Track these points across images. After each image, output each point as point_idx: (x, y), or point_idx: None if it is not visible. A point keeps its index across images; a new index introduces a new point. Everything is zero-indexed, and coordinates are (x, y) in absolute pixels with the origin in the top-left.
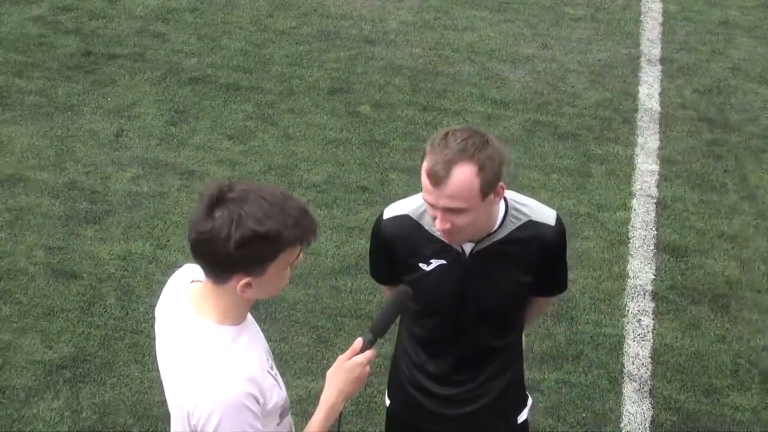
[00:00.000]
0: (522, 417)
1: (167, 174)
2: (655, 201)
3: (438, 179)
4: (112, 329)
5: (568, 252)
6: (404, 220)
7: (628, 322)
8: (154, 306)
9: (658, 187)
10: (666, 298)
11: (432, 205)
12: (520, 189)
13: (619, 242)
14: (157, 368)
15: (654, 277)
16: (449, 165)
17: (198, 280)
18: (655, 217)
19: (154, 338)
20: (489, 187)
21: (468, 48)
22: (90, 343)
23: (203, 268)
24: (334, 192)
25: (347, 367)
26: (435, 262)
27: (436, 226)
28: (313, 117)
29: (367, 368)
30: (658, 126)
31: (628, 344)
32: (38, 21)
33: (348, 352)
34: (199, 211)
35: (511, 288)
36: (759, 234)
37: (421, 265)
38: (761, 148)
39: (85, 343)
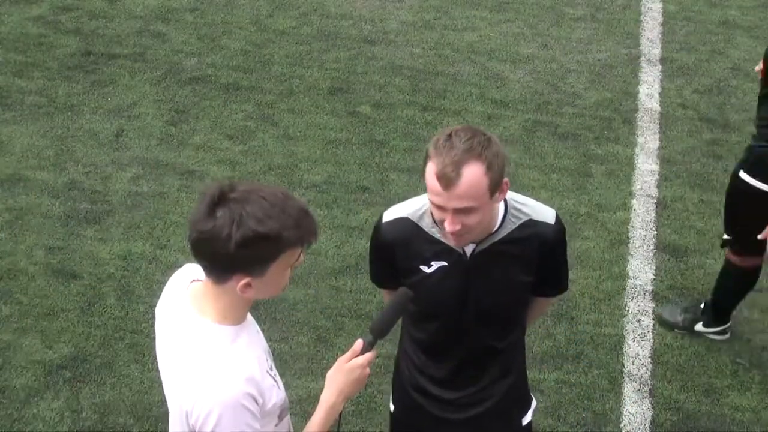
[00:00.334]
0: (526, 419)
1: (167, 174)
2: (655, 201)
3: (449, 181)
4: (112, 329)
5: (568, 252)
6: (404, 222)
7: (628, 322)
8: (154, 306)
9: (658, 187)
10: (666, 298)
11: (441, 208)
12: (520, 189)
13: (619, 242)
14: (157, 368)
15: (654, 277)
16: (458, 165)
17: (198, 280)
18: (655, 217)
19: (154, 338)
20: (496, 185)
21: (468, 48)
22: (90, 343)
23: (204, 267)
24: (334, 192)
25: (347, 369)
26: (436, 264)
27: (445, 228)
28: (313, 117)
29: (367, 370)
30: (658, 126)
31: (628, 344)
32: (38, 21)
33: (348, 354)
34: (200, 210)
35: (512, 288)
36: None
37: (421, 267)
38: None
39: (85, 343)
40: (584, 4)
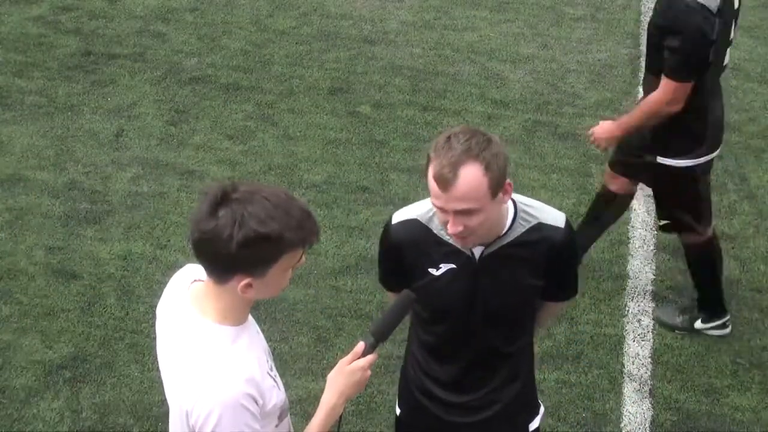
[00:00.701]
0: (534, 425)
1: (167, 174)
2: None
3: (446, 182)
4: (112, 329)
5: None
6: (413, 224)
7: (628, 322)
8: (154, 306)
9: None
10: (666, 298)
11: (442, 210)
12: (520, 189)
13: (619, 242)
14: (157, 368)
15: (654, 277)
16: (455, 167)
17: (200, 280)
18: (655, 217)
19: (154, 338)
20: (497, 186)
21: (468, 48)
22: (90, 343)
23: (205, 267)
24: (334, 192)
25: (348, 371)
26: (444, 267)
27: (448, 231)
28: (313, 117)
29: (368, 372)
30: None
31: (628, 344)
32: (38, 21)
33: (349, 356)
34: (202, 210)
35: (521, 291)
36: (759, 234)
37: (430, 269)
38: (761, 148)
39: (85, 343)
40: (584, 4)
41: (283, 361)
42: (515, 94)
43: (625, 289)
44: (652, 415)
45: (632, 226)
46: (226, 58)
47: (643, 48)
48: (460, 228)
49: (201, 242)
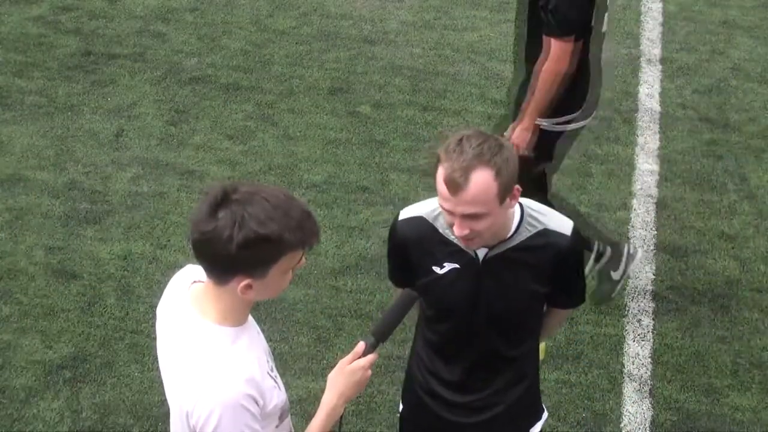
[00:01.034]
0: (535, 429)
1: (167, 174)
2: (655, 201)
3: (456, 186)
4: (112, 329)
5: None
6: (419, 222)
7: (628, 322)
8: (154, 306)
9: (658, 187)
10: (666, 298)
11: (450, 212)
12: None
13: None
14: (157, 368)
15: (654, 277)
16: (467, 171)
17: (200, 281)
18: (655, 217)
19: (154, 338)
20: (506, 191)
21: (468, 48)
22: (90, 343)
23: (205, 268)
24: (334, 192)
25: (349, 371)
26: (448, 266)
27: (454, 233)
28: (313, 117)
29: (369, 372)
30: (658, 126)
31: (628, 344)
32: (38, 21)
33: (350, 356)
34: (202, 210)
35: (522, 296)
36: (759, 234)
37: (434, 267)
38: (761, 148)
39: (85, 343)
40: None
41: (283, 361)
42: None
43: (625, 289)
44: (652, 415)
45: (632, 226)
46: (226, 58)
47: (643, 48)
48: (467, 231)
49: (201, 243)
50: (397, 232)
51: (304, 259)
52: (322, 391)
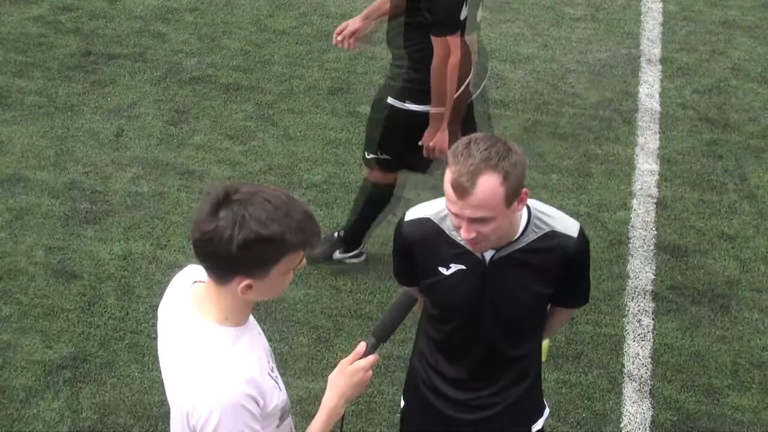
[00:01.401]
0: (537, 426)
1: (167, 174)
2: (655, 201)
3: (463, 190)
4: (112, 329)
5: None
6: (425, 223)
7: (628, 322)
8: (154, 306)
9: (658, 187)
10: (666, 298)
11: (457, 215)
12: None
13: (619, 242)
14: (158, 368)
15: (654, 277)
16: (474, 175)
17: (201, 281)
18: (655, 217)
19: (154, 338)
20: (513, 195)
21: None
22: (90, 343)
23: (205, 268)
24: (334, 192)
25: (349, 372)
26: (454, 267)
27: (461, 235)
28: (313, 117)
29: (370, 372)
30: (658, 126)
31: (628, 344)
32: (38, 21)
33: (351, 356)
34: (203, 210)
35: (528, 298)
36: (759, 234)
37: (440, 268)
38: (761, 148)
39: (85, 343)
40: (584, 4)
41: (283, 361)
42: (515, 94)
43: (625, 289)
44: (652, 415)
45: (632, 226)
46: (226, 58)
47: (643, 47)
48: (474, 234)
49: (201, 242)
50: (402, 233)
51: (305, 260)
52: (322, 391)
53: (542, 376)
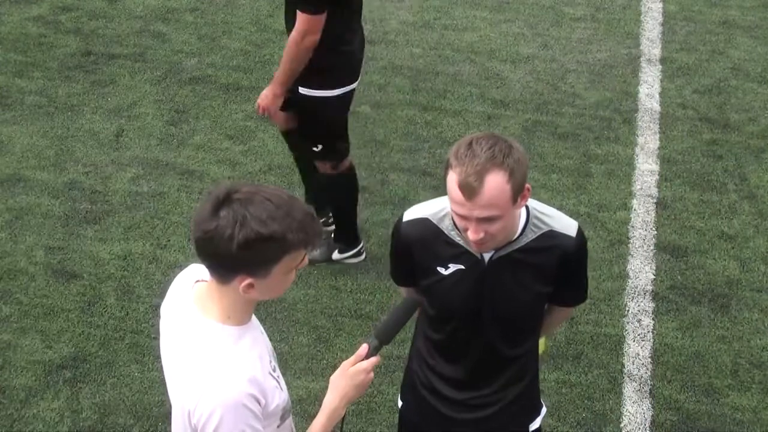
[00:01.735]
0: (534, 425)
1: (167, 174)
2: (655, 201)
3: (472, 190)
4: (112, 329)
5: None
6: (424, 223)
7: (628, 322)
8: (154, 306)
9: (658, 187)
10: (666, 298)
11: (465, 218)
12: None
13: (619, 242)
14: (158, 368)
15: (654, 277)
16: (481, 175)
17: (203, 280)
18: (655, 217)
19: (154, 338)
20: (518, 192)
21: (468, 48)
22: (90, 343)
23: (207, 267)
24: None
25: (351, 373)
26: (453, 267)
27: (469, 237)
28: None
29: (371, 374)
30: (658, 126)
31: (628, 344)
32: (38, 21)
33: (353, 358)
34: (204, 210)
35: (527, 298)
36: (759, 234)
37: (439, 268)
38: (761, 148)
39: (85, 343)
40: (584, 4)
41: (283, 361)
42: (515, 94)
43: (625, 289)
44: (652, 415)
45: (632, 226)
46: (226, 58)
47: (643, 47)
48: (482, 234)
49: (203, 242)
50: (401, 233)
51: (306, 260)
52: (322, 391)
53: (542, 376)
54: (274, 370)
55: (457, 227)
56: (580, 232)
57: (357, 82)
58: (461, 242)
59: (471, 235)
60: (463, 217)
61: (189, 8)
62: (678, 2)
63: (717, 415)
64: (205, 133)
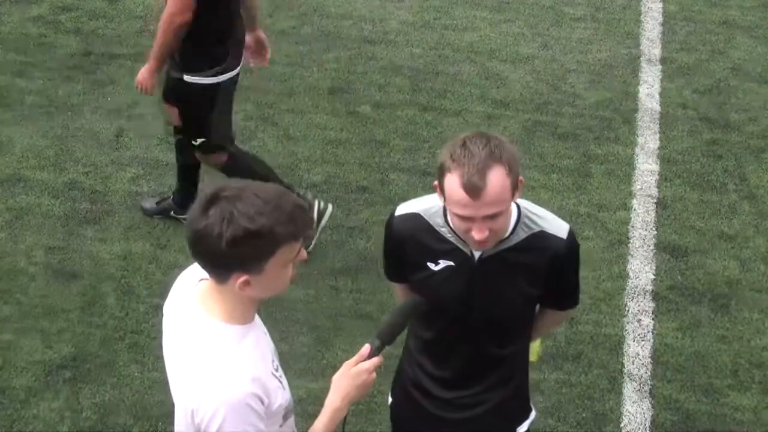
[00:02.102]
0: (522, 428)
1: (167, 174)
2: (655, 201)
3: (477, 189)
4: (112, 329)
5: None
6: (415, 218)
7: (628, 322)
8: (154, 306)
9: (658, 187)
10: (666, 298)
11: (469, 218)
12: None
13: (619, 242)
14: (158, 368)
15: (654, 277)
16: (484, 172)
17: (206, 279)
18: (655, 217)
19: (154, 338)
20: (515, 185)
21: (468, 48)
22: (90, 343)
23: (202, 266)
24: (334, 192)
25: (353, 373)
26: (443, 263)
27: (473, 238)
28: (313, 117)
29: (374, 374)
30: (658, 126)
31: (628, 344)
32: (38, 21)
33: (355, 358)
34: (194, 209)
35: (516, 298)
36: (759, 234)
37: (429, 264)
38: (761, 148)
39: (85, 343)
40: (584, 4)
41: (283, 361)
42: (515, 94)
43: (625, 289)
44: (652, 415)
45: (632, 226)
46: None
47: (643, 47)
48: (487, 233)
49: (194, 242)
50: (393, 228)
51: (304, 253)
52: (322, 391)
53: (542, 376)
54: (276, 370)
55: (448, 224)
56: (571, 234)
57: (238, 69)
58: (452, 239)
59: (476, 234)
60: (467, 218)
61: None
62: (678, 2)
63: (717, 415)
64: None
